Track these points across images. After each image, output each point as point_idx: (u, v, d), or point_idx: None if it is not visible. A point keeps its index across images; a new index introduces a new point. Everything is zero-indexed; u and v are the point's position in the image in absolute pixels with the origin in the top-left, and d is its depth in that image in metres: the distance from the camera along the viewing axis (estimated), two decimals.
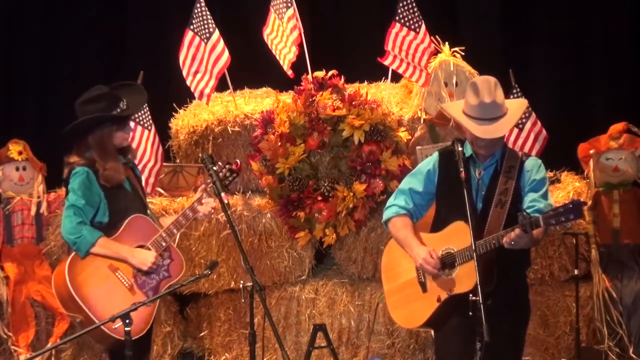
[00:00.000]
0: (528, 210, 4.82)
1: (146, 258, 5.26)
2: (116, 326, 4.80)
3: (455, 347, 4.98)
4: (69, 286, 5.17)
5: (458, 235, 4.87)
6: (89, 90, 5.39)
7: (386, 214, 5.18)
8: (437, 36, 7.18)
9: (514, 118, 5.02)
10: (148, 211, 5.46)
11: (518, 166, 5.01)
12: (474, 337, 4.74)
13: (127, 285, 5.24)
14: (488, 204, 4.96)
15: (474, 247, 4.69)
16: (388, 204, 5.19)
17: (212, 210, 5.46)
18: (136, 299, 5.19)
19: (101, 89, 5.39)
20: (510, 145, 6.84)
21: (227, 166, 5.54)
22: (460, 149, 4.91)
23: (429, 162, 5.14)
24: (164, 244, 5.33)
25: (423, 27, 7.02)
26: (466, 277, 4.84)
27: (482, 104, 4.90)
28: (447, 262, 4.95)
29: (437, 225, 5.07)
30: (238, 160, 5.62)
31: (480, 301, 4.59)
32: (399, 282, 5.12)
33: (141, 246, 5.30)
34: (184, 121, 7.33)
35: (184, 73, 7.12)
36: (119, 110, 5.31)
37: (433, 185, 5.10)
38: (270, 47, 7.34)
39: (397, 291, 5.13)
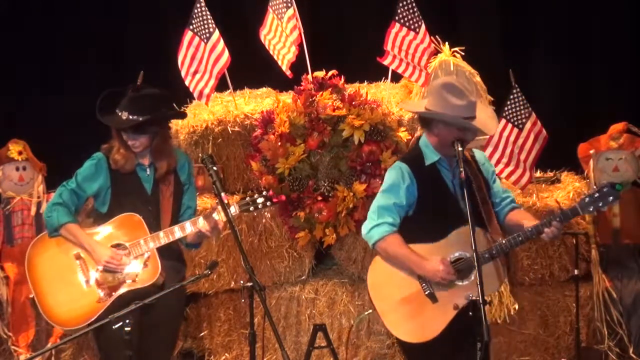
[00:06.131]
0: (506, 202, 5.10)
1: (101, 255, 5.28)
2: (116, 326, 4.80)
3: (444, 348, 4.98)
4: (26, 258, 5.36)
5: (466, 240, 4.79)
6: (154, 91, 5.49)
7: (377, 233, 5.04)
8: (437, 36, 7.17)
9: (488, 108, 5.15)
10: (164, 219, 5.42)
11: (473, 160, 5.08)
12: (466, 337, 4.78)
13: (84, 276, 5.29)
14: (475, 203, 4.96)
15: (474, 247, 4.69)
16: (373, 223, 5.05)
17: (208, 229, 5.36)
18: (89, 292, 5.28)
19: (157, 92, 5.46)
20: (510, 145, 6.85)
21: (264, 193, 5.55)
22: (460, 149, 4.91)
23: (401, 174, 5.03)
24: (143, 249, 5.31)
25: (423, 27, 7.02)
26: (488, 279, 4.84)
27: (470, 103, 4.96)
28: (461, 268, 4.94)
29: (431, 234, 4.99)
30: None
31: (480, 301, 4.60)
32: (396, 299, 4.99)
33: (118, 245, 5.31)
34: (183, 121, 7.32)
35: (183, 73, 7.12)
36: (119, 114, 5.33)
37: (413, 197, 5.03)
38: (267, 47, 7.33)
39: (396, 308, 5.00)
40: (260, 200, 5.49)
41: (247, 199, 5.49)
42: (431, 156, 5.04)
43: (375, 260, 5.11)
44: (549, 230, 4.86)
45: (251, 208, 5.50)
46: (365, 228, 5.11)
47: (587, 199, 4.85)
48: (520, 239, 4.92)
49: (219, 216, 5.34)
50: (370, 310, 5.12)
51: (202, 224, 5.35)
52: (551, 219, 4.87)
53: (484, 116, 5.06)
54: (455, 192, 5.01)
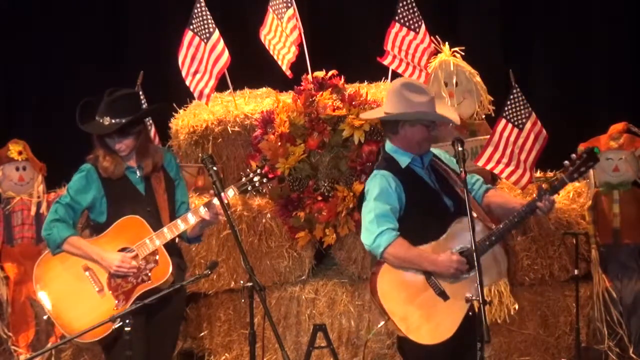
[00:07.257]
0: (477, 185, 5.22)
1: (111, 261, 5.24)
2: (116, 326, 4.80)
3: (447, 349, 4.97)
4: (33, 281, 5.32)
5: (464, 233, 4.85)
6: (128, 91, 5.47)
7: (384, 240, 4.95)
8: (437, 36, 7.17)
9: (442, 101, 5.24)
10: (163, 217, 5.39)
11: (435, 157, 5.17)
12: (466, 337, 4.78)
13: (97, 286, 5.25)
14: (457, 196, 5.01)
15: (472, 243, 4.70)
16: (375, 233, 4.96)
17: (211, 215, 5.33)
18: (105, 301, 5.23)
19: (130, 92, 5.45)
20: (510, 145, 6.84)
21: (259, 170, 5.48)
22: (460, 149, 4.92)
23: (385, 180, 5.02)
24: (150, 248, 5.29)
25: (423, 27, 7.02)
26: (491, 267, 4.95)
27: (431, 99, 5.04)
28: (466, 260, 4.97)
29: (423, 233, 4.99)
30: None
31: (480, 301, 4.61)
32: (409, 304, 4.96)
33: (124, 248, 5.30)
34: (183, 121, 7.33)
35: (183, 73, 7.12)
36: (101, 120, 5.32)
37: (402, 200, 5.02)
38: (267, 47, 7.34)
39: (411, 314, 4.96)
40: (256, 178, 5.43)
41: (244, 179, 5.44)
42: (403, 159, 5.06)
43: (382, 270, 5.02)
44: (541, 205, 4.94)
45: (249, 188, 5.44)
46: (367, 239, 5.01)
47: (570, 169, 5.02)
48: (516, 220, 4.98)
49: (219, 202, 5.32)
50: (383, 322, 5.11)
51: (203, 212, 5.34)
52: (542, 194, 4.95)
53: (443, 108, 5.18)
54: (437, 189, 5.05)
